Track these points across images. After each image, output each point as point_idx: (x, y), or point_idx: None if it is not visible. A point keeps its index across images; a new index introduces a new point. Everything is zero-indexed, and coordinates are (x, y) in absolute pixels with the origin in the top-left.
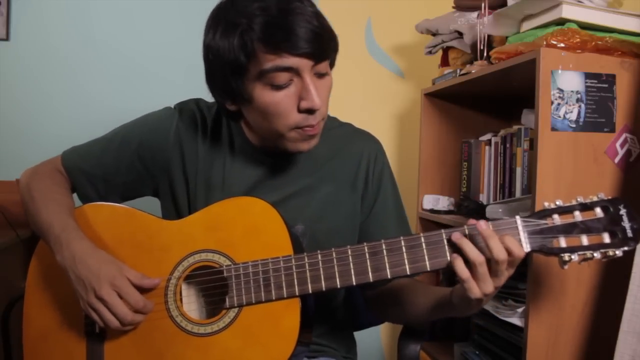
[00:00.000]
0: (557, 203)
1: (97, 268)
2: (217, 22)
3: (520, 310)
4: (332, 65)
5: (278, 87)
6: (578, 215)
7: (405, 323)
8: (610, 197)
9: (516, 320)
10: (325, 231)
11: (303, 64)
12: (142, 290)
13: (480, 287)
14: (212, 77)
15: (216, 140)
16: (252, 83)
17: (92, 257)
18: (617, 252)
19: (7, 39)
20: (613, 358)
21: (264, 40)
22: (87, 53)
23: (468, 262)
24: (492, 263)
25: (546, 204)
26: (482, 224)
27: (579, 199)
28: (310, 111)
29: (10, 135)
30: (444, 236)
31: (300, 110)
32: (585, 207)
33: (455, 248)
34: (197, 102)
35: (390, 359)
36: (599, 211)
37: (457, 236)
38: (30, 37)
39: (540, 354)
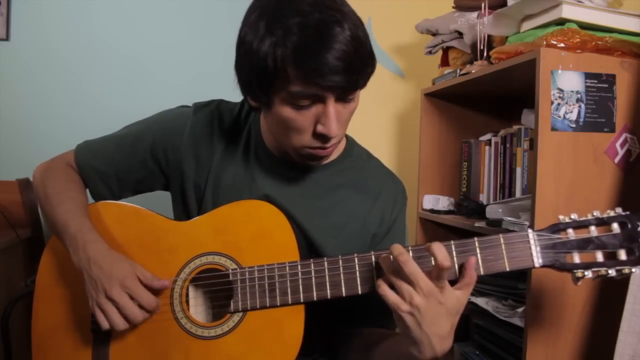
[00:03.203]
0: (572, 217)
1: (109, 269)
2: (259, 17)
3: (520, 310)
4: (364, 86)
5: (299, 107)
6: (594, 230)
7: None
8: (628, 212)
9: (516, 320)
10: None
11: (329, 94)
12: (152, 291)
13: (400, 294)
14: (240, 71)
15: (233, 143)
16: (275, 94)
17: (105, 258)
18: (633, 270)
19: (7, 39)
20: (613, 358)
21: (295, 64)
22: (88, 53)
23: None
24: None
25: (561, 217)
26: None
27: (595, 214)
28: (324, 137)
29: (10, 135)
30: (453, 247)
31: (315, 133)
32: (601, 222)
33: (466, 259)
34: (219, 103)
35: None
36: (615, 227)
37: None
38: (30, 37)
39: (540, 354)
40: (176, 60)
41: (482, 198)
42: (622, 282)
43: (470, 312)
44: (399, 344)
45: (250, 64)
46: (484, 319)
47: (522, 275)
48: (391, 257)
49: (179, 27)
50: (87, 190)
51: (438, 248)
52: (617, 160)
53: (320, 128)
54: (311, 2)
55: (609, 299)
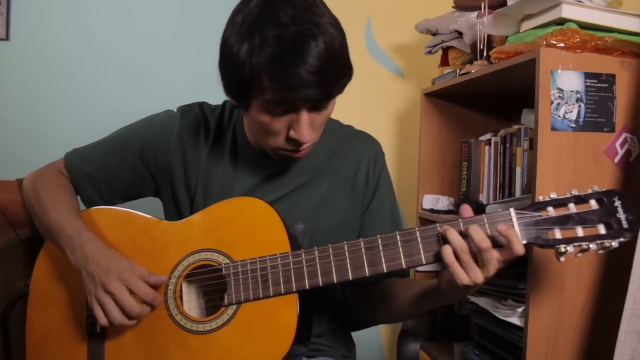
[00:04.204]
0: (552, 196)
1: (106, 265)
2: (242, 21)
3: (520, 310)
4: (340, 94)
5: (273, 114)
6: (573, 208)
7: (394, 320)
8: (605, 190)
9: (516, 320)
10: (325, 231)
11: (302, 103)
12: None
13: (469, 274)
14: (222, 71)
15: (219, 143)
16: (252, 99)
17: (103, 255)
18: (613, 244)
19: (7, 39)
20: (613, 358)
21: (269, 75)
22: (88, 53)
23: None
24: (477, 252)
25: (541, 197)
26: (464, 212)
27: (573, 192)
28: (297, 142)
29: (10, 135)
30: (439, 230)
31: (288, 138)
32: (580, 200)
33: (445, 239)
34: (201, 105)
35: (390, 359)
36: (594, 203)
37: (445, 227)
38: (30, 37)
39: (540, 354)
40: (176, 60)
41: (482, 198)
42: (622, 283)
43: (470, 312)
44: (425, 283)
45: (230, 67)
46: (484, 319)
47: (522, 275)
48: (471, 239)
49: (179, 27)
50: (78, 195)
51: (514, 236)
52: (617, 160)
53: (292, 134)
54: (291, 14)
55: (609, 299)
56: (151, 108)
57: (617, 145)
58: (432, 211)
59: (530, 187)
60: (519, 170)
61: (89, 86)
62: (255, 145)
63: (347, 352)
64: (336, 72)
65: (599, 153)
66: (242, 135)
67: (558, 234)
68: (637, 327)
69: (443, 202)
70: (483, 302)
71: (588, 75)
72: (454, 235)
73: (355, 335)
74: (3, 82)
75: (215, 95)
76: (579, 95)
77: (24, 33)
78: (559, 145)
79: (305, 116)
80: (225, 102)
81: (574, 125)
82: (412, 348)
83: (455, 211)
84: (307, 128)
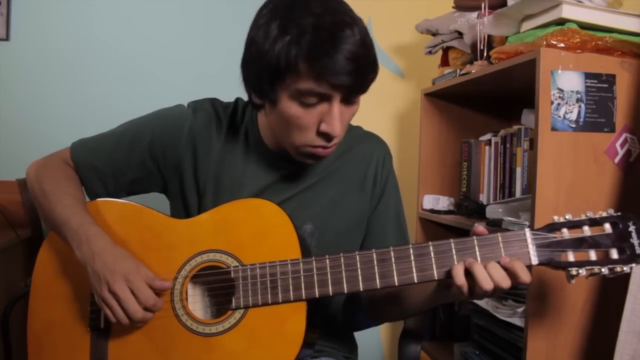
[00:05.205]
0: (567, 217)
1: (112, 264)
2: (270, 18)
3: (520, 310)
4: (366, 91)
5: (305, 105)
6: (587, 230)
7: (400, 319)
8: (619, 213)
9: (516, 320)
10: (333, 232)
11: (337, 93)
12: (153, 290)
13: (476, 295)
14: (248, 69)
15: (230, 142)
16: (283, 91)
17: (109, 253)
18: (624, 269)
19: (7, 39)
20: (613, 358)
21: (308, 61)
22: (87, 53)
23: (469, 274)
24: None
25: (555, 217)
26: (477, 230)
27: (588, 214)
28: (327, 135)
29: (10, 135)
30: (453, 245)
31: (318, 132)
32: (594, 222)
33: (465, 257)
34: (213, 102)
35: (391, 359)
36: (607, 227)
37: (470, 261)
38: (30, 37)
39: (540, 354)
40: (176, 60)
41: (482, 198)
42: (622, 282)
43: (470, 312)
44: (425, 291)
45: (261, 61)
46: (484, 319)
47: None
48: (476, 278)
49: (179, 27)
50: (83, 187)
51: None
52: (617, 160)
53: (324, 127)
54: (323, 6)
55: (609, 299)
56: (151, 108)
57: (617, 145)
58: (432, 211)
59: (530, 187)
60: (519, 170)
61: (89, 86)
62: (269, 145)
63: (349, 353)
64: (369, 62)
65: (599, 153)
66: (255, 135)
67: (571, 257)
68: (637, 327)
69: (443, 202)
70: (483, 302)
71: (588, 75)
72: (482, 277)
73: (356, 335)
74: (3, 82)
75: (215, 95)
76: (579, 95)
77: (24, 33)
78: (559, 145)
79: (337, 107)
80: (237, 100)
81: (574, 125)
82: (413, 348)
83: (455, 211)
84: (339, 120)
